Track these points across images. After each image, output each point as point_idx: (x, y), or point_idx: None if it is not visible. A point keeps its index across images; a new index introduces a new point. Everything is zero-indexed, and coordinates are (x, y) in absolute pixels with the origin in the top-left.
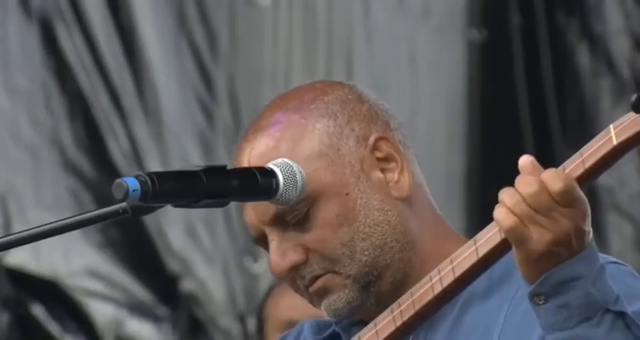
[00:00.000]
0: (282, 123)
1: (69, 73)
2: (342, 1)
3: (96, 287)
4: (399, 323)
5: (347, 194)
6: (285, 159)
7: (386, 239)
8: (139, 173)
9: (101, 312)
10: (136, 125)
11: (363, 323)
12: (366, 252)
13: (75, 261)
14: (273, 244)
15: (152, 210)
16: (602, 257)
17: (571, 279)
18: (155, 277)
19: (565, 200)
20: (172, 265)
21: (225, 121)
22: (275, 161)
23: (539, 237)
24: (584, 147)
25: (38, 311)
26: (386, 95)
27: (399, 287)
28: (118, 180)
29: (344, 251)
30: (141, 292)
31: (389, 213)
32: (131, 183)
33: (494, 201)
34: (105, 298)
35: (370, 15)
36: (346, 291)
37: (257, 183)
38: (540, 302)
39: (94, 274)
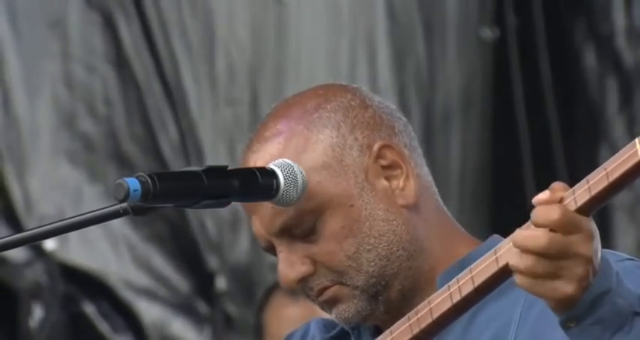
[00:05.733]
0: (286, 133)
1: (127, 64)
2: None
3: (144, 282)
4: (416, 330)
5: (351, 205)
6: (286, 160)
7: (392, 248)
8: (140, 173)
9: (148, 309)
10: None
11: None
12: (372, 263)
13: (124, 255)
14: (282, 255)
15: (153, 210)
16: (618, 254)
17: (599, 295)
18: (196, 273)
19: (568, 227)
20: (212, 261)
21: (246, 117)
22: (276, 161)
23: (568, 280)
24: (608, 161)
25: (89, 309)
26: (405, 92)
27: (408, 294)
28: (118, 181)
29: (350, 263)
30: (184, 288)
31: (394, 222)
32: (132, 183)
33: (504, 202)
34: (152, 294)
35: (392, 11)
36: (355, 301)
37: (258, 183)
38: (572, 325)
39: (142, 269)
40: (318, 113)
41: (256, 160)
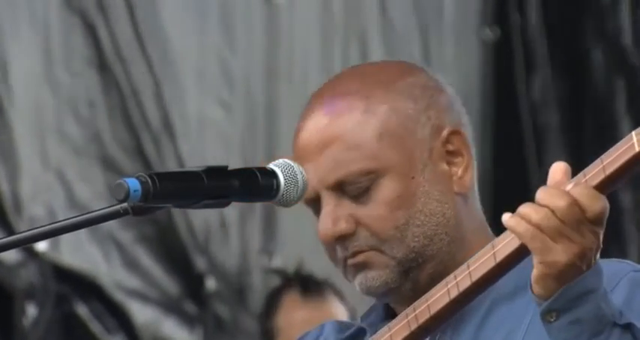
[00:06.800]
0: (363, 92)
1: (108, 66)
2: None
3: (133, 283)
4: (414, 326)
5: (413, 178)
6: (286, 160)
7: (437, 230)
8: (140, 173)
9: (139, 310)
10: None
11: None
12: (416, 239)
13: (114, 257)
14: (327, 209)
15: (153, 210)
16: (633, 265)
17: (585, 292)
18: (185, 274)
19: (599, 219)
20: (200, 263)
21: (241, 118)
22: (276, 161)
23: (567, 249)
24: (605, 153)
25: (82, 310)
26: None
27: (437, 279)
28: (118, 181)
29: (395, 233)
30: (174, 289)
31: (446, 205)
32: (132, 183)
33: (506, 201)
34: (142, 296)
35: (386, 13)
36: (387, 271)
37: (258, 183)
38: (552, 320)
39: (131, 270)
40: (398, 83)
41: (332, 115)
